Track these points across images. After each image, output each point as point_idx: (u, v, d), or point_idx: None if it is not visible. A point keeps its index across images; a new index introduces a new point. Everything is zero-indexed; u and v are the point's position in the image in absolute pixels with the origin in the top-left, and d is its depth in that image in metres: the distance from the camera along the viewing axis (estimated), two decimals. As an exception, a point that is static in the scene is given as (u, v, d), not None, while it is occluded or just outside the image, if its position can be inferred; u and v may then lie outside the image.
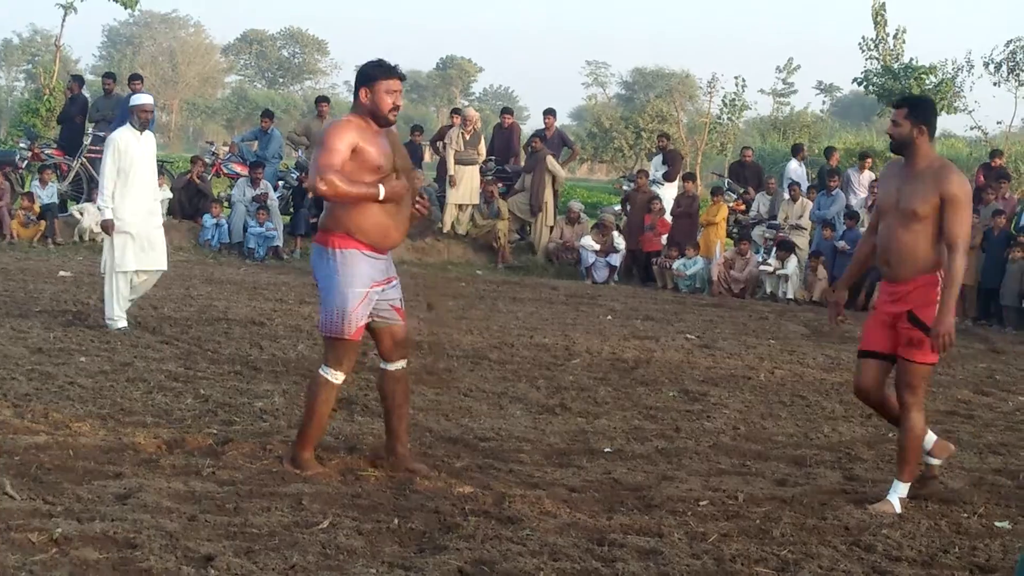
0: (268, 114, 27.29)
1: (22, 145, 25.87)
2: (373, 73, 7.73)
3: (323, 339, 7.88)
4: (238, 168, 25.52)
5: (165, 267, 13.16)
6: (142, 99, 13.26)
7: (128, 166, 12.73)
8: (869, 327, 8.08)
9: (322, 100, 27.40)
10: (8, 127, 40.14)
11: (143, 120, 12.97)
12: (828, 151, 27.98)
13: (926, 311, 7.65)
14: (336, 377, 7.77)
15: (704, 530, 6.93)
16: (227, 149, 27.72)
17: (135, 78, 25.53)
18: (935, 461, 8.20)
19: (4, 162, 24.05)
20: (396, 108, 7.75)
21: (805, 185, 25.28)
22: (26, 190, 23.59)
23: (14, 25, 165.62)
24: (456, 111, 28.20)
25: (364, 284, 7.63)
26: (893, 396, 8.02)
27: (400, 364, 8.03)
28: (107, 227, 12.75)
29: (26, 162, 25.07)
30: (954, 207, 7.56)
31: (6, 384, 9.61)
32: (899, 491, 7.81)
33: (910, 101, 8.02)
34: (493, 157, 26.42)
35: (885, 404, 8.11)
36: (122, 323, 12.85)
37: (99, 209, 12.98)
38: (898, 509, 7.70)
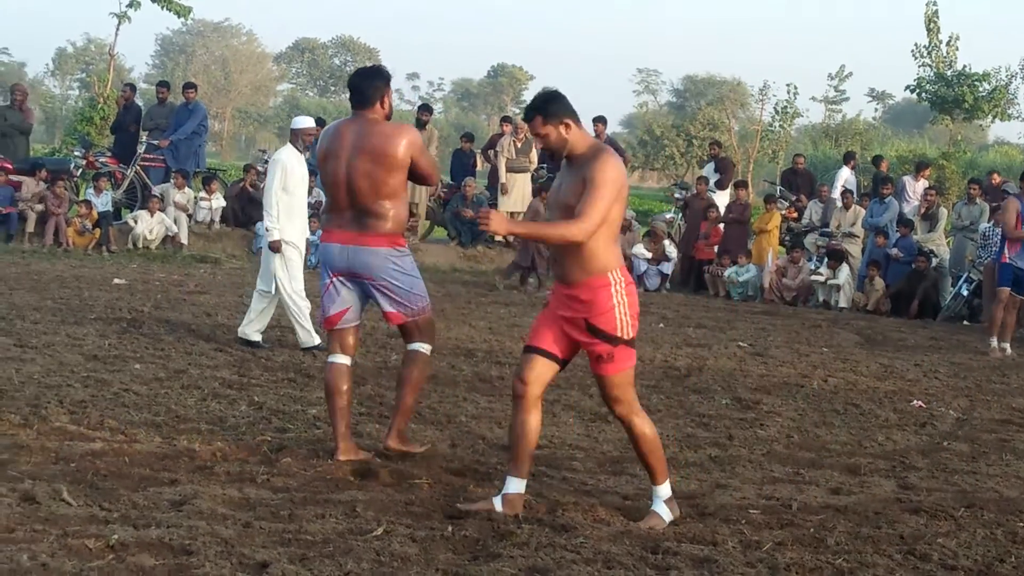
0: (319, 122, 27.35)
1: (77, 154, 26.04)
2: (388, 79, 8.47)
3: (415, 322, 8.38)
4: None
5: None
6: (307, 122, 13.14)
7: (293, 187, 12.70)
8: (540, 323, 7.33)
9: None
10: (63, 136, 40.44)
11: (307, 143, 12.99)
12: (876, 159, 27.96)
13: (603, 319, 7.06)
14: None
15: (758, 538, 6.90)
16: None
17: (189, 87, 25.70)
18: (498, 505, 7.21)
19: (60, 171, 24.21)
20: None
21: (857, 192, 25.23)
22: (81, 198, 23.74)
23: (69, 34, 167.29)
24: (507, 119, 28.20)
25: None
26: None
27: None
28: (276, 247, 12.73)
29: (80, 171, 25.23)
30: (589, 188, 6.85)
31: (62, 391, 9.68)
32: (663, 496, 7.25)
33: (536, 106, 7.13)
34: (545, 164, 26.42)
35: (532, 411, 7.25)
36: (317, 339, 12.82)
37: (267, 229, 12.79)
38: (668, 517, 7.20)
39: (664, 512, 7.21)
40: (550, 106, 7.08)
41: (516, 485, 7.24)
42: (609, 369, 7.13)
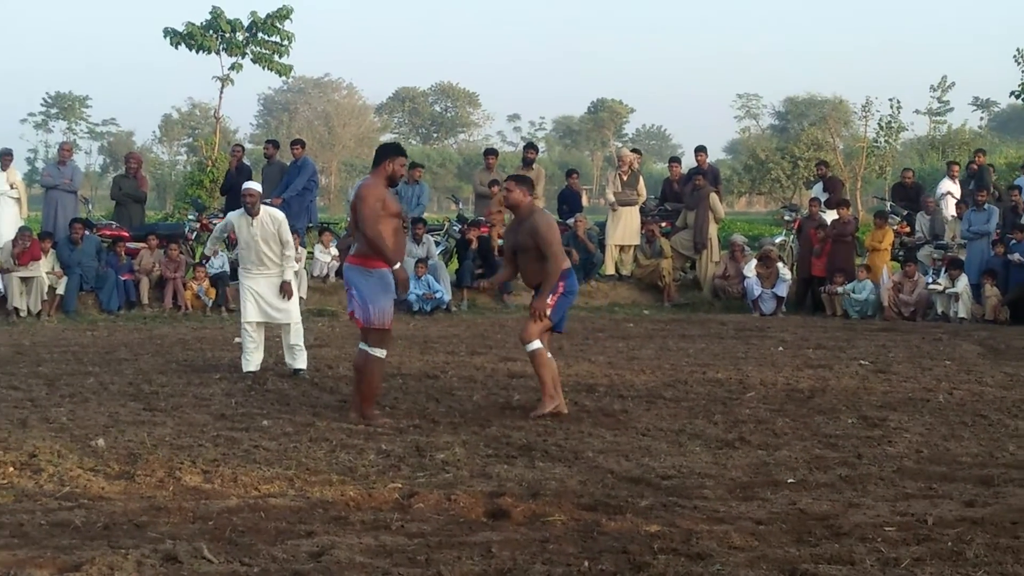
0: (414, 166, 27.57)
1: (191, 217, 26.46)
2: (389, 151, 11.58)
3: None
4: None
5: None
6: None
7: None
8: None
9: (490, 153, 27.71)
10: (174, 201, 41.07)
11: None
12: (976, 151, 27.97)
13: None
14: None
15: (896, 555, 6.85)
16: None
17: (296, 143, 26.00)
18: None
19: (176, 235, 24.62)
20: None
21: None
22: (197, 260, 24.10)
23: (173, 100, 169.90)
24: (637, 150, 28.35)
25: None
26: None
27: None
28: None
29: (196, 233, 25.62)
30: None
31: (194, 451, 9.82)
32: None
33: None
34: (654, 196, 26.44)
35: None
36: None
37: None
38: None
39: None
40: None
41: None
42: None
